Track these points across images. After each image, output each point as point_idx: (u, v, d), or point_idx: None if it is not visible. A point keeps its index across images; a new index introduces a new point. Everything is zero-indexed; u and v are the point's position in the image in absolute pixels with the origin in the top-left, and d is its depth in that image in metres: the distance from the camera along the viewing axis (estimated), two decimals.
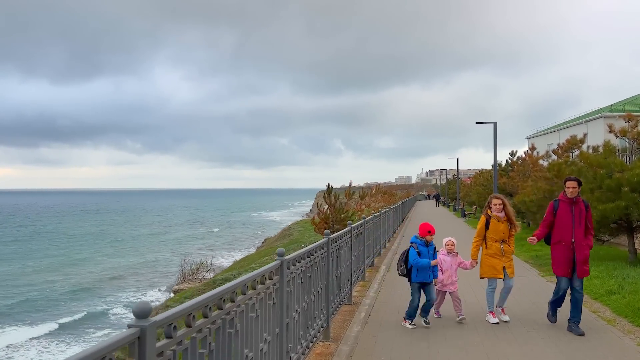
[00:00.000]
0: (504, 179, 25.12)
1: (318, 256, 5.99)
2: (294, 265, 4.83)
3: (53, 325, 22.37)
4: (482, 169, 44.73)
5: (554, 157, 20.00)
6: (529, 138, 55.90)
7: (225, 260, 40.16)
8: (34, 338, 21.08)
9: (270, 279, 4.09)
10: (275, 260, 4.24)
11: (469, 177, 61.25)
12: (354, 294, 9.32)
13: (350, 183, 26.72)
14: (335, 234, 7.30)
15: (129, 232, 71.90)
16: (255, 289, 3.67)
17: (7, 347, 20.05)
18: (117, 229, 77.59)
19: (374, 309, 8.43)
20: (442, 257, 7.68)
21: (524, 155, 25.75)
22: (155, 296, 23.24)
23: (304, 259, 5.26)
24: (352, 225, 8.94)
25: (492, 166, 31.39)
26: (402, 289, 10.12)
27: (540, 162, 22.12)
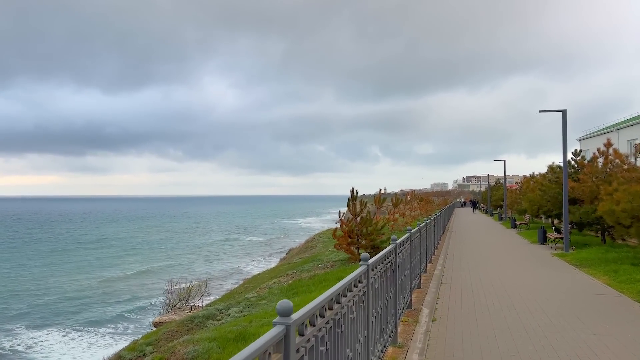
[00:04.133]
0: (571, 182, 20.24)
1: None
2: None
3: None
4: (533, 173, 39.41)
5: None
6: (580, 140, 50.37)
7: (257, 268, 37.01)
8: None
9: None
10: None
11: (517, 183, 55.65)
12: None
13: (380, 190, 22.35)
14: (330, 293, 3.07)
15: (198, 239, 69.17)
16: None
17: None
18: (183, 236, 74.93)
19: None
20: None
21: (595, 154, 20.76)
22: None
23: None
24: (370, 262, 4.67)
25: (560, 164, 26.42)
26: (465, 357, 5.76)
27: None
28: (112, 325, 23.54)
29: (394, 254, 6.65)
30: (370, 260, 4.72)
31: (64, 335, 22.49)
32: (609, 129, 43.36)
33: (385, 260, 5.85)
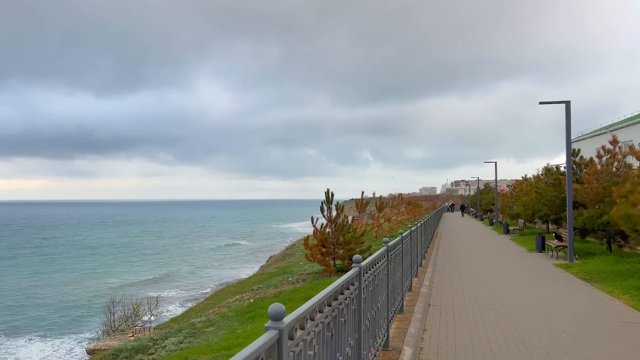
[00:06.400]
0: (573, 184, 18.19)
1: None
2: None
3: None
4: (526, 175, 37.57)
5: None
6: (572, 142, 48.72)
7: (245, 273, 34.63)
8: None
9: None
10: None
11: (508, 187, 53.86)
12: None
13: (362, 193, 20.18)
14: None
15: (195, 245, 65.77)
16: None
17: None
18: (181, 242, 71.68)
19: None
20: None
21: (600, 152, 18.73)
22: None
23: None
24: (288, 321, 2.39)
25: (558, 165, 24.43)
26: None
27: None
28: (91, 335, 21.60)
29: (357, 283, 4.41)
30: (290, 318, 2.45)
31: (42, 342, 20.87)
32: (602, 131, 41.64)
33: (336, 299, 3.60)
